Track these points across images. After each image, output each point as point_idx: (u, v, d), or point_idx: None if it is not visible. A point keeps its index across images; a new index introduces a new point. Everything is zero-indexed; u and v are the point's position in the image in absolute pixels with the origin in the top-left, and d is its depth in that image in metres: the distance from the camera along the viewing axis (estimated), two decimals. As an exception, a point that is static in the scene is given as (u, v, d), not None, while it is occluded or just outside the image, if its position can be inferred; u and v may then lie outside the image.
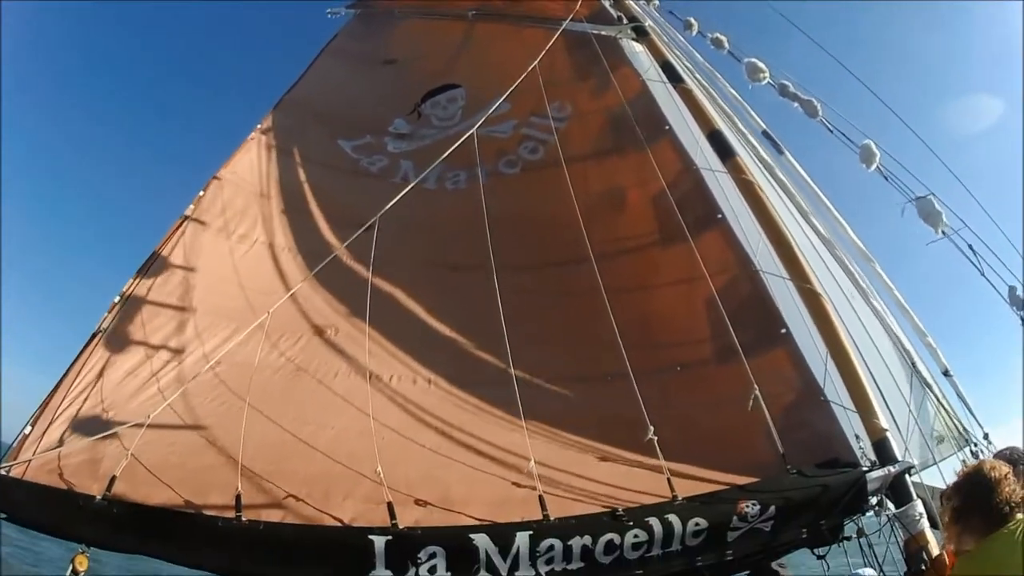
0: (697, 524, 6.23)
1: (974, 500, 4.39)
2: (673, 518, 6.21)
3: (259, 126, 12.11)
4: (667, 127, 10.77)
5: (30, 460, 6.49)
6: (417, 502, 6.54)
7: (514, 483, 6.84)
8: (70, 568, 5.72)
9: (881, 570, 7.10)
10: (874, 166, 9.35)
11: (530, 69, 10.58)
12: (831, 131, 9.93)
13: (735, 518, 6.33)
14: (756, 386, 7.39)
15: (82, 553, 5.76)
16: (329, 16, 15.74)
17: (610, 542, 6.04)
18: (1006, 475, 4.32)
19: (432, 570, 5.78)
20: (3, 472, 6.35)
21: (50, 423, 7.05)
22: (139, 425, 6.73)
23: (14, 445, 6.80)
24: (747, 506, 6.35)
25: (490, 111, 10.57)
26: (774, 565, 7.99)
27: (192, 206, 10.09)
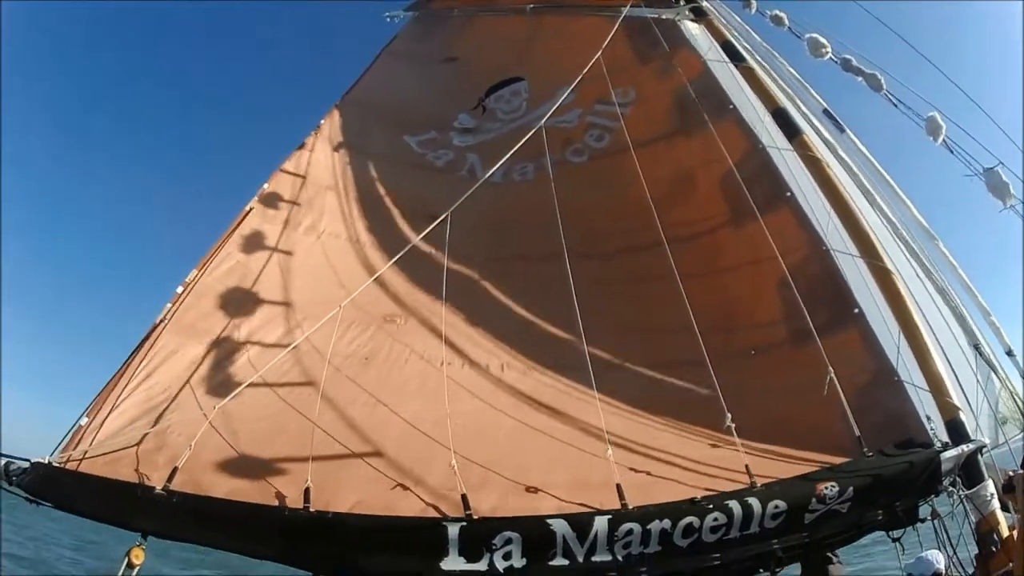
0: (776, 507, 6.25)
1: None
2: (753, 500, 6.24)
3: (322, 123, 12.20)
4: (731, 106, 10.76)
5: (86, 452, 6.51)
6: (490, 489, 6.58)
7: (592, 469, 6.79)
8: (125, 561, 5.72)
9: (954, 552, 7.11)
10: (941, 139, 9.19)
11: (595, 58, 10.60)
12: (896, 105, 9.77)
13: (814, 500, 6.34)
14: (831, 368, 7.38)
15: (138, 546, 5.75)
16: (388, 20, 15.91)
17: (689, 525, 6.08)
18: None
19: (507, 556, 5.83)
20: (57, 463, 6.35)
21: (109, 413, 7.05)
22: (203, 415, 6.81)
23: (68, 437, 6.79)
24: (826, 488, 6.35)
25: (559, 102, 10.64)
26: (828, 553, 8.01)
27: (255, 200, 10.15)
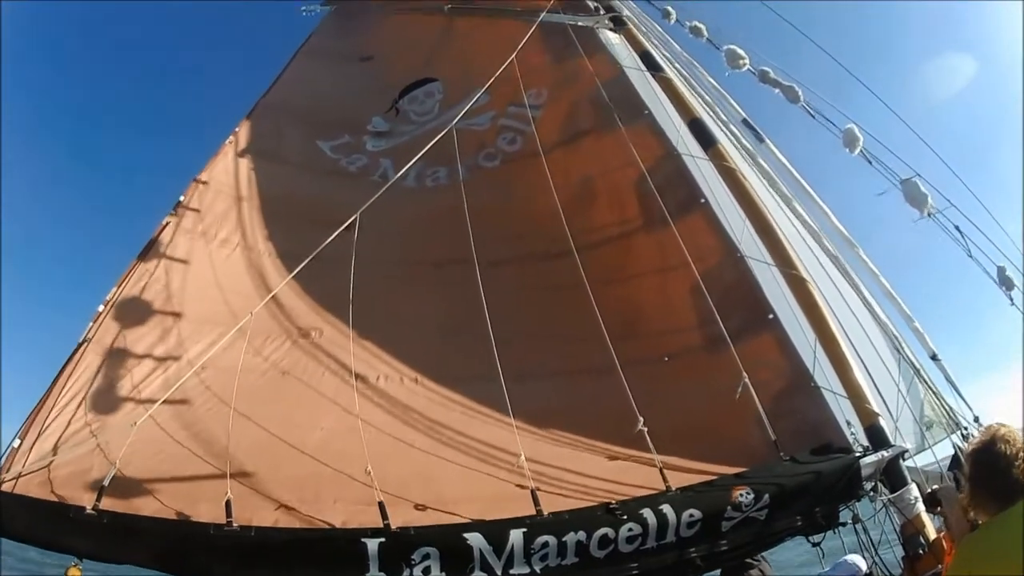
0: (692, 515, 6.17)
1: (983, 475, 4.23)
2: (667, 509, 6.14)
3: (235, 130, 11.95)
4: (646, 111, 10.69)
5: (20, 473, 6.32)
6: (408, 502, 6.44)
7: (506, 480, 6.75)
8: None
9: (876, 555, 7.14)
10: (858, 150, 9.27)
11: (508, 62, 10.50)
12: (813, 116, 9.85)
13: (729, 507, 6.27)
14: (745, 374, 7.34)
15: (75, 566, 5.62)
16: (304, 14, 15.65)
17: (604, 536, 5.97)
18: (1017, 448, 4.14)
19: (426, 571, 5.68)
20: None
21: (39, 435, 6.87)
22: (126, 433, 6.53)
23: (3, 459, 6.61)
24: (741, 495, 6.29)
25: (470, 104, 10.56)
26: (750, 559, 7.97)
27: (171, 213, 9.93)
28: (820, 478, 6.66)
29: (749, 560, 8.01)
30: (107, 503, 5.83)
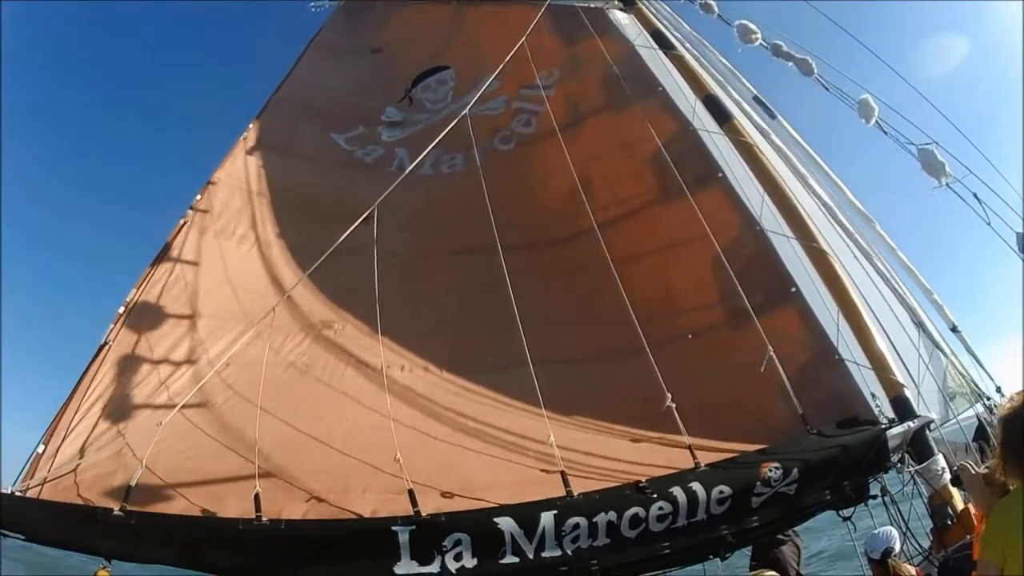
0: (721, 492, 6.16)
1: (1014, 440, 4.19)
2: (697, 487, 6.13)
3: (250, 127, 12.01)
4: (659, 88, 10.60)
5: (46, 478, 6.40)
6: (436, 490, 6.44)
7: (533, 466, 6.76)
8: None
9: (907, 527, 7.06)
10: (873, 120, 9.19)
11: (518, 46, 10.40)
12: (827, 89, 9.76)
13: (759, 483, 6.26)
14: (770, 347, 7.32)
15: (104, 568, 5.63)
16: (313, 10, 15.58)
17: (635, 516, 5.98)
18: None
19: (458, 557, 5.70)
20: (19, 493, 6.24)
21: (63, 440, 6.95)
22: (151, 434, 6.61)
23: (27, 465, 6.72)
24: (770, 470, 6.28)
25: (482, 89, 10.50)
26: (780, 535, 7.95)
27: (188, 211, 10.01)
28: (847, 451, 6.64)
29: (781, 536, 8.02)
30: (134, 503, 5.88)
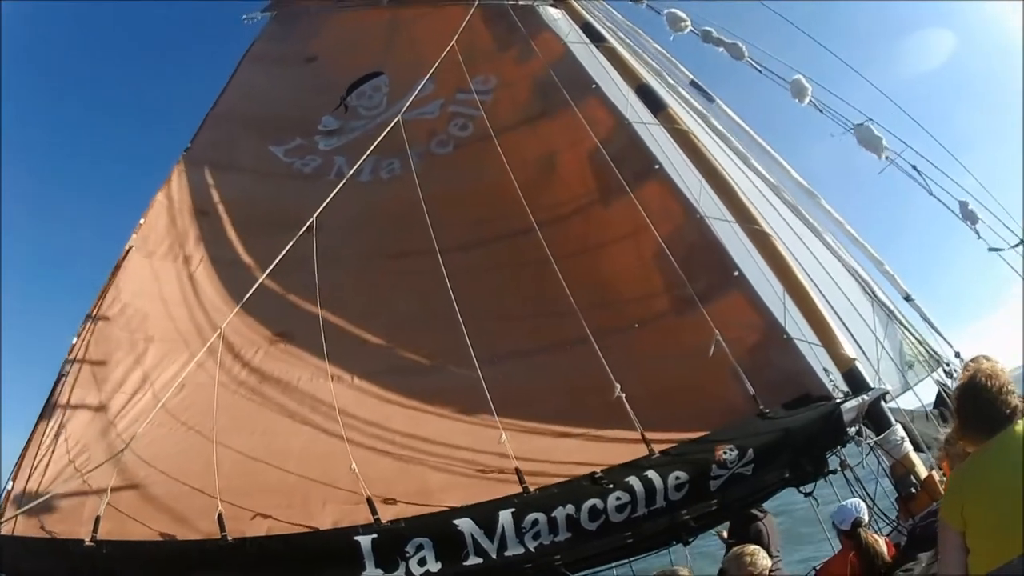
0: (678, 478, 6.18)
1: (969, 408, 4.21)
2: (653, 475, 6.15)
3: (189, 145, 11.99)
4: (594, 85, 10.61)
5: (16, 515, 6.32)
6: (391, 499, 6.41)
7: (489, 463, 6.77)
8: None
9: (872, 499, 7.07)
10: (807, 100, 9.32)
11: (448, 49, 10.47)
12: (759, 71, 9.85)
13: (715, 466, 6.27)
14: (717, 331, 7.35)
15: None
16: (246, 22, 15.43)
17: (594, 507, 5.98)
18: (1001, 382, 4.11)
19: (422, 562, 5.69)
20: None
21: (29, 476, 6.93)
22: (112, 463, 6.71)
23: None
24: (724, 452, 6.29)
25: (414, 94, 10.48)
26: (753, 510, 7.98)
27: (134, 235, 9.96)
28: (803, 428, 6.67)
29: (754, 512, 8.05)
30: (104, 532, 5.87)
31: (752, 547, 7.02)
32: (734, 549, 7.19)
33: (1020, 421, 3.96)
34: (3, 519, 6.33)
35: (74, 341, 8.42)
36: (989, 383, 4.04)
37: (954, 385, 5.06)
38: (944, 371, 9.14)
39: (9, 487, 6.84)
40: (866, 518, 6.97)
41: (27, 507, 6.38)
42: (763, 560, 6.81)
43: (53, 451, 7.27)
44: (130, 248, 9.70)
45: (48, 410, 7.65)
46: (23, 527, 6.22)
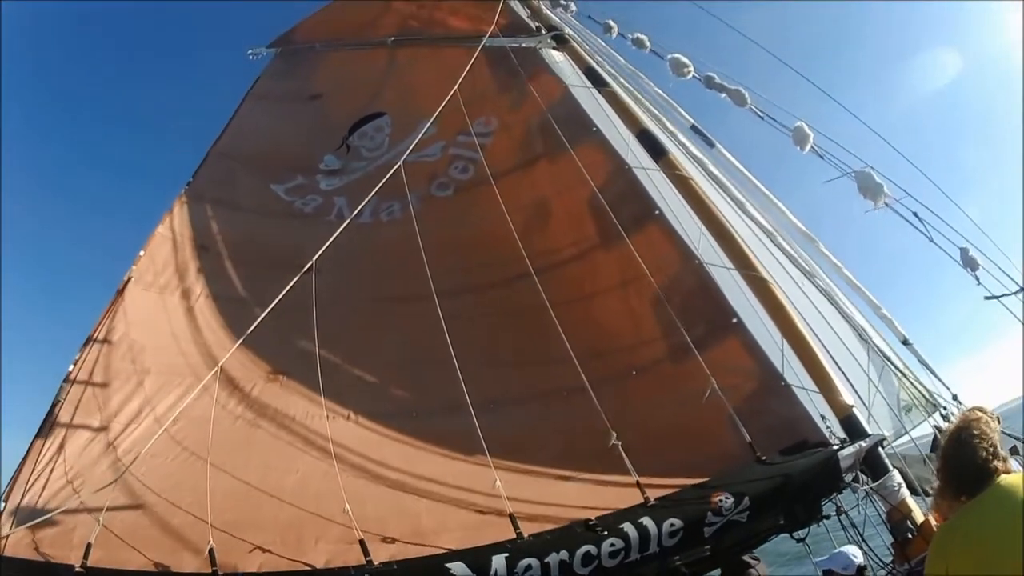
0: (672, 524, 6.16)
1: (949, 466, 4.27)
2: (647, 521, 6.14)
3: (190, 180, 12.18)
4: (594, 129, 10.71)
5: (7, 536, 6.38)
6: (388, 538, 6.45)
7: (483, 507, 6.79)
8: None
9: (865, 543, 7.19)
10: (808, 147, 9.33)
11: (452, 93, 10.55)
12: (761, 117, 9.90)
13: (710, 513, 6.26)
14: (713, 379, 7.38)
15: None
16: (251, 58, 15.77)
17: (587, 553, 5.95)
18: (981, 430, 4.16)
19: None
20: None
21: (22, 497, 7.01)
22: (106, 491, 6.70)
23: None
24: (720, 499, 6.28)
25: (417, 138, 10.64)
26: (745, 557, 8.00)
27: (133, 267, 10.12)
28: (799, 475, 6.67)
29: (746, 559, 8.07)
30: (94, 559, 5.91)
31: None
32: None
33: (1008, 476, 4.02)
34: None
35: (70, 368, 8.55)
36: (974, 439, 4.07)
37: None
38: (941, 415, 9.16)
39: (1, 506, 6.90)
40: (863, 564, 7.05)
41: (19, 528, 6.45)
42: None
43: (48, 472, 7.37)
44: (129, 279, 9.88)
45: (45, 430, 7.78)
46: (13, 547, 6.27)
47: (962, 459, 4.11)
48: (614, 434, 6.98)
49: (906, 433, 8.65)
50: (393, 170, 9.48)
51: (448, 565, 5.81)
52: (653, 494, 6.49)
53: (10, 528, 6.53)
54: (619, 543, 6.02)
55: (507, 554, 5.88)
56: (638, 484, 6.55)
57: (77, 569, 5.82)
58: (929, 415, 9.18)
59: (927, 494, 7.35)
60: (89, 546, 5.97)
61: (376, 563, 5.96)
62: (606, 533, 6.06)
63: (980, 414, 4.25)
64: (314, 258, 8.35)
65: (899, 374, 9.22)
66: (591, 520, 6.22)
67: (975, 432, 4.11)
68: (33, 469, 7.35)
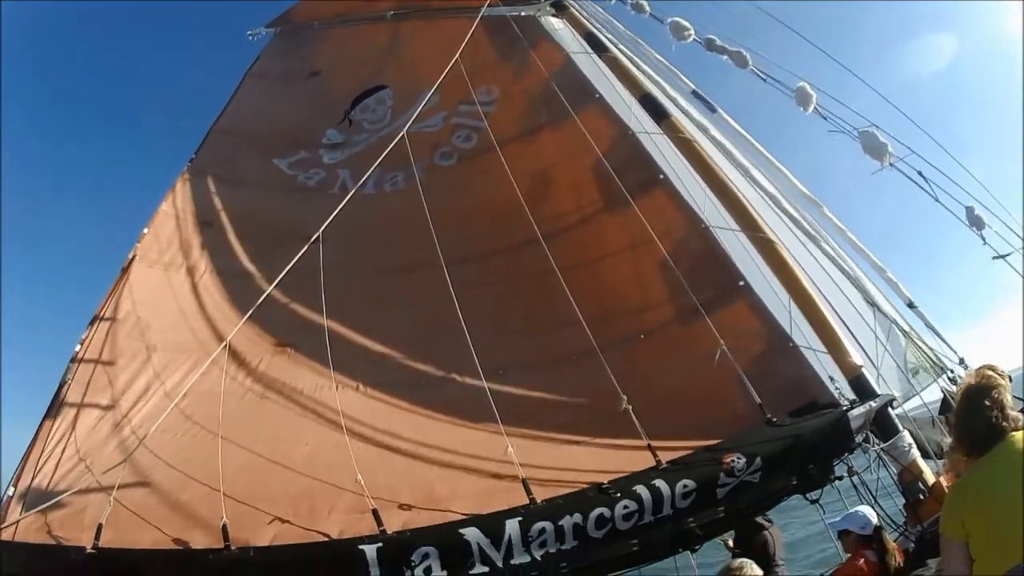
0: (685, 486, 6.15)
1: (964, 422, 4.25)
2: (660, 483, 6.13)
3: (192, 158, 12.19)
4: (596, 95, 10.62)
5: (18, 520, 6.39)
6: (402, 506, 6.46)
7: (495, 473, 6.77)
8: None
9: (877, 504, 7.10)
10: (811, 107, 9.23)
11: (453, 62, 10.51)
12: (764, 79, 9.79)
13: (722, 474, 6.24)
14: (721, 340, 7.34)
15: None
16: (250, 38, 15.69)
17: (600, 516, 5.96)
18: (997, 396, 4.13)
19: (427, 571, 5.69)
20: None
21: (32, 480, 7.03)
22: (116, 470, 6.74)
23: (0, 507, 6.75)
24: (732, 460, 6.26)
25: (419, 108, 10.59)
26: (759, 519, 7.97)
27: (138, 244, 10.15)
28: (810, 435, 6.64)
29: (760, 521, 8.05)
30: (106, 540, 5.87)
31: (739, 561, 7.03)
32: (723, 565, 7.21)
33: (1017, 434, 3.99)
34: (5, 524, 6.40)
35: (76, 348, 8.57)
36: (985, 398, 4.08)
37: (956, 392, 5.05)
38: (948, 378, 9.12)
39: (11, 491, 6.94)
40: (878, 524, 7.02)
41: (29, 512, 6.45)
42: (751, 573, 6.84)
43: (60, 454, 7.39)
44: (134, 256, 9.90)
45: (53, 410, 7.80)
46: (24, 531, 6.28)
47: (973, 418, 4.14)
48: (624, 398, 6.96)
49: (916, 395, 8.62)
50: (396, 140, 9.48)
51: (461, 531, 5.83)
52: (664, 457, 6.46)
53: (20, 512, 6.54)
54: (632, 505, 6.01)
55: (520, 518, 5.89)
56: (650, 447, 6.53)
57: (89, 550, 5.81)
58: (936, 378, 9.14)
59: (938, 456, 7.34)
60: (100, 527, 5.94)
61: (390, 531, 5.96)
62: (619, 496, 6.05)
63: (991, 373, 4.25)
64: (322, 228, 8.36)
65: (906, 335, 9.18)
66: (604, 483, 6.20)
67: (985, 391, 4.13)
68: (42, 451, 7.35)
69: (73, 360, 8.39)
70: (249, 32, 15.70)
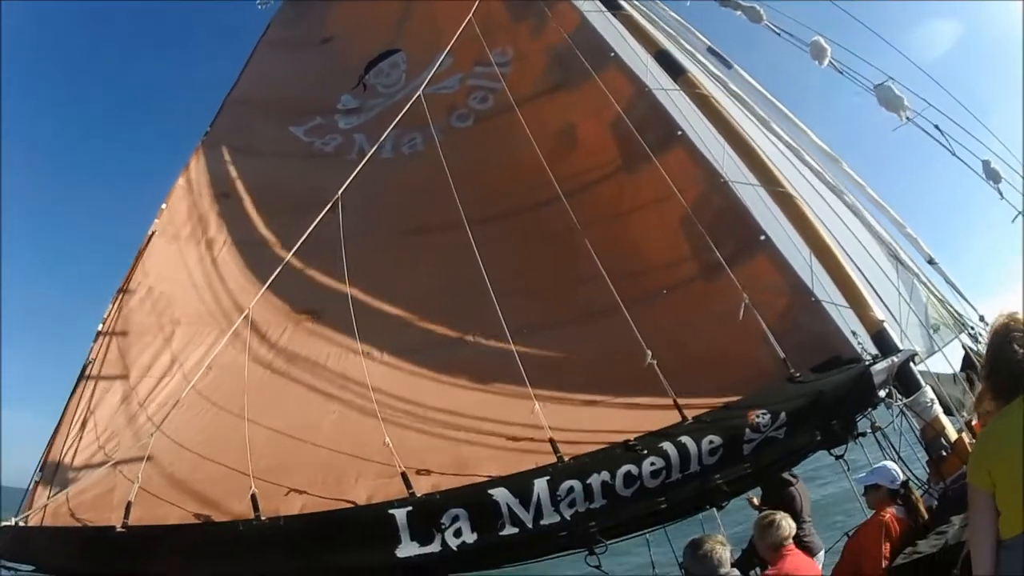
0: (711, 442, 6.13)
1: (995, 365, 4.18)
2: (687, 439, 6.11)
3: (208, 130, 12.16)
4: (612, 54, 10.50)
5: (46, 506, 6.48)
6: (429, 470, 6.48)
7: (522, 434, 6.78)
8: None
9: (901, 461, 7.12)
10: (826, 61, 9.18)
11: (466, 22, 10.47)
12: (778, 34, 9.71)
13: (748, 430, 6.22)
14: (745, 296, 7.30)
15: None
16: (260, 8, 15.65)
17: (628, 474, 5.95)
18: (1012, 339, 4.07)
19: (458, 533, 5.70)
20: (21, 523, 6.34)
21: (58, 465, 7.09)
22: (141, 449, 6.74)
23: (27, 494, 6.89)
24: (757, 416, 6.24)
25: (434, 69, 10.51)
26: (785, 475, 7.96)
27: (157, 220, 10.17)
28: (833, 391, 6.60)
29: (786, 477, 8.05)
30: (135, 518, 5.94)
31: (771, 514, 7.04)
32: (758, 517, 7.21)
33: None
34: (32, 509, 6.51)
35: (98, 328, 8.62)
36: (1015, 342, 4.03)
37: (983, 344, 4.99)
38: (969, 334, 9.08)
39: (37, 477, 7.05)
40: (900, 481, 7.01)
41: (55, 496, 6.54)
42: (786, 524, 6.85)
43: (84, 434, 7.46)
44: (153, 233, 9.90)
45: (79, 389, 7.84)
46: (52, 518, 6.36)
47: (998, 365, 4.10)
48: (649, 352, 6.93)
49: (938, 351, 8.58)
50: (413, 100, 9.46)
51: (491, 491, 5.84)
52: (689, 414, 6.46)
53: (46, 497, 6.63)
54: (660, 462, 5.99)
55: (548, 477, 5.89)
56: (675, 403, 6.52)
57: (118, 529, 5.85)
58: (957, 334, 9.10)
59: (959, 412, 7.32)
60: (129, 504, 5.99)
61: (419, 495, 5.98)
62: (646, 452, 6.03)
63: (1019, 317, 4.17)
64: (338, 193, 8.37)
65: (928, 290, 9.14)
66: (630, 440, 6.18)
67: (1012, 337, 4.07)
68: (68, 434, 7.42)
69: (96, 338, 8.45)
70: (259, 1, 15.64)
